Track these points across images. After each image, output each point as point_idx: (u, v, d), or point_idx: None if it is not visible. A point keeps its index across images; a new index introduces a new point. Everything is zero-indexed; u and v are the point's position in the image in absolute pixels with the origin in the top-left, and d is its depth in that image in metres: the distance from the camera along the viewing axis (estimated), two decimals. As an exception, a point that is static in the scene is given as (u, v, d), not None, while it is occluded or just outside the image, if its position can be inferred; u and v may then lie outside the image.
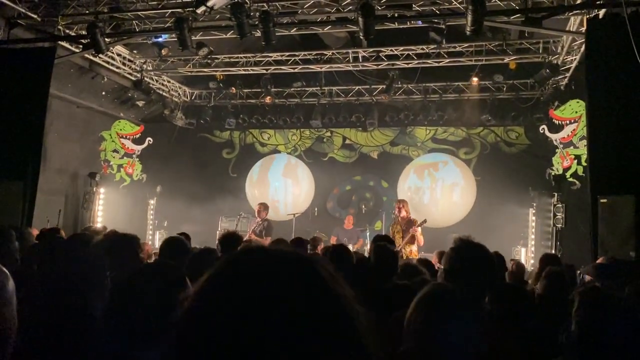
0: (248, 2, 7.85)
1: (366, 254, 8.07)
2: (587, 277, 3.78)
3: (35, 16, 8.57)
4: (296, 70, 11.32)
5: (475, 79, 10.99)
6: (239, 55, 11.09)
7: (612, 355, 1.58)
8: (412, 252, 8.40)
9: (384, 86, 11.43)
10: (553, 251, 9.52)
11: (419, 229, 8.50)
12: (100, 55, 9.88)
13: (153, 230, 12.63)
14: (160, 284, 1.69)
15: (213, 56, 10.56)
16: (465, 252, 2.36)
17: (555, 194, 10.33)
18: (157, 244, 10.88)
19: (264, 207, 9.49)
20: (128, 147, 12.84)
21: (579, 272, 7.05)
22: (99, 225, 11.37)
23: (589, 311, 1.64)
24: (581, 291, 1.82)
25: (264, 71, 11.43)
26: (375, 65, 10.79)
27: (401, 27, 8.88)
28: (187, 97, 13.36)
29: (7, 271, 1.24)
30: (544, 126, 10.90)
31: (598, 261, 4.67)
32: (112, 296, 1.78)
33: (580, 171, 10.07)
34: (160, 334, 1.58)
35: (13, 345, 1.20)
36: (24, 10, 8.41)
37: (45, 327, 1.90)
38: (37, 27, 8.87)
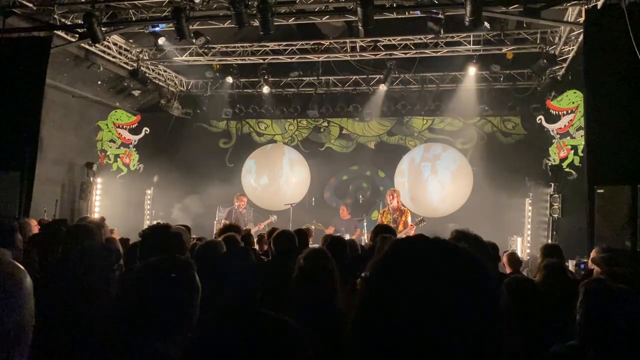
0: (246, -9, 7.79)
1: (363, 243, 8.14)
2: (591, 266, 3.81)
3: (30, 5, 8.49)
4: (293, 60, 11.27)
5: (472, 69, 10.97)
6: (236, 45, 11.02)
7: (620, 345, 1.61)
8: None
9: (382, 76, 11.42)
10: (550, 241, 9.59)
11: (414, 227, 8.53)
12: (96, 45, 9.82)
13: (150, 220, 12.61)
14: (168, 279, 1.70)
15: (210, 46, 10.49)
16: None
17: (552, 184, 10.39)
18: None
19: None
20: (125, 137, 12.80)
21: (575, 261, 7.15)
22: (96, 215, 11.37)
23: (595, 303, 1.66)
24: (586, 283, 1.85)
25: (261, 61, 11.38)
26: (372, 55, 10.76)
27: (399, 17, 8.85)
28: (184, 87, 13.29)
29: (23, 268, 1.25)
30: (540, 116, 10.93)
31: (594, 250, 4.70)
32: (123, 288, 1.80)
33: (576, 161, 10.12)
34: (172, 327, 1.60)
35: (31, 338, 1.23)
36: (19, -1, 8.33)
37: (54, 318, 1.92)
38: (32, 16, 8.78)
